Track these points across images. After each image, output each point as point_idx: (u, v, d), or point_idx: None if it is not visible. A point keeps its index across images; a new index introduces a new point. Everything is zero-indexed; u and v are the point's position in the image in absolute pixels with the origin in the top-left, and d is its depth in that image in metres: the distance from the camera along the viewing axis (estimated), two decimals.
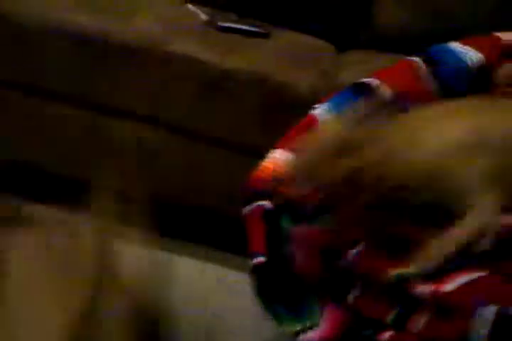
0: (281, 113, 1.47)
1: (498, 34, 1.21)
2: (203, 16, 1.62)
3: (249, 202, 0.97)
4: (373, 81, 1.10)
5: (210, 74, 1.44)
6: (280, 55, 1.57)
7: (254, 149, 1.39)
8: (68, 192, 1.30)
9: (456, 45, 1.17)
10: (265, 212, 0.95)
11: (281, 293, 0.90)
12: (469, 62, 1.13)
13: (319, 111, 1.07)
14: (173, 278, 0.95)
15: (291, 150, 0.99)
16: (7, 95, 1.56)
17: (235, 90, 1.45)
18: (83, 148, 1.58)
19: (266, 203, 0.95)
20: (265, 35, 1.64)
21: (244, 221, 0.96)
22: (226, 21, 1.59)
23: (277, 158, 1.00)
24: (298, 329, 0.85)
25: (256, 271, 0.91)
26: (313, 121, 1.05)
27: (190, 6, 1.68)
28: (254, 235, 0.94)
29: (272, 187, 0.95)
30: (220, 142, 1.51)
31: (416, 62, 1.15)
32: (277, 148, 1.02)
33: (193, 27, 1.56)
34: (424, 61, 1.15)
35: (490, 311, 0.74)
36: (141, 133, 1.54)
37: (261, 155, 1.13)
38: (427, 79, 1.12)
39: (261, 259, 0.91)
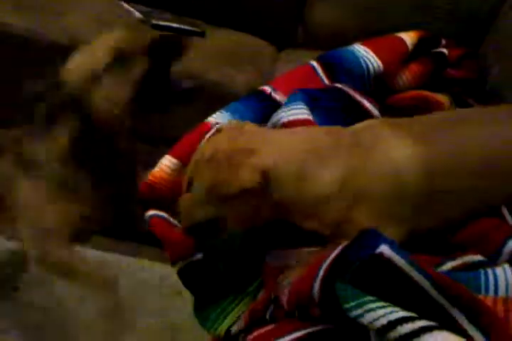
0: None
1: (401, 36, 1.24)
2: (137, 14, 1.60)
3: (146, 208, 1.00)
4: (268, 88, 1.14)
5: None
6: (215, 53, 1.57)
7: None
8: None
9: (359, 49, 1.19)
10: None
11: (208, 292, 0.91)
12: (371, 68, 1.15)
13: (214, 117, 1.10)
14: None
15: (178, 157, 1.01)
16: None
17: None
18: None
19: (163, 214, 0.98)
20: (200, 34, 1.64)
21: (152, 229, 0.98)
22: (160, 20, 1.58)
23: (165, 165, 1.02)
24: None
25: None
26: (206, 128, 1.06)
27: (123, 3, 1.66)
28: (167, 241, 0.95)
29: (159, 196, 0.98)
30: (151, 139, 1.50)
31: (313, 67, 1.18)
32: (168, 154, 1.04)
33: (125, 25, 1.53)
34: (323, 66, 1.17)
35: None
36: None
37: None
38: (322, 84, 1.15)
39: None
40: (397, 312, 0.63)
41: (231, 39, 1.72)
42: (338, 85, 1.11)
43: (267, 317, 0.80)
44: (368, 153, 0.84)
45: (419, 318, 0.62)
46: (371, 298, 0.65)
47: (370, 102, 1.09)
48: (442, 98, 1.16)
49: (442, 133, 0.89)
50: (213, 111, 1.47)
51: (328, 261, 0.73)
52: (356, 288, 0.67)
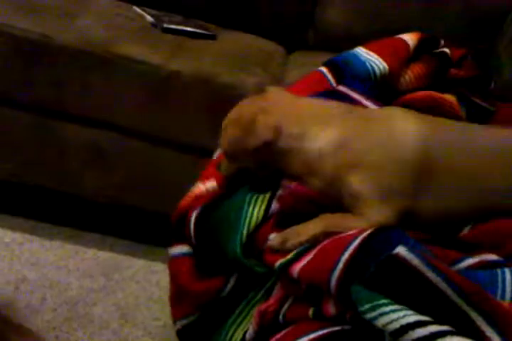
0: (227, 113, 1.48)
1: (403, 37, 1.25)
2: (149, 18, 1.62)
3: (177, 238, 0.97)
4: None
5: (155, 76, 1.43)
6: (227, 55, 1.58)
7: (202, 149, 1.41)
8: None
9: (362, 53, 1.20)
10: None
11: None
12: (374, 71, 1.16)
13: None
14: None
15: (210, 179, 1.01)
16: None
17: (181, 91, 1.45)
18: (33, 150, 1.56)
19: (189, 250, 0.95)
20: (212, 37, 1.65)
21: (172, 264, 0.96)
22: (172, 23, 1.59)
23: (199, 188, 1.01)
24: None
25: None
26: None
27: (135, 8, 1.68)
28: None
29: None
30: (168, 143, 1.51)
31: (322, 72, 1.19)
32: (199, 181, 1.03)
33: (137, 29, 1.55)
34: (331, 70, 1.18)
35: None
36: (92, 135, 1.53)
37: (210, 155, 1.15)
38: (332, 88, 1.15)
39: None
40: (410, 315, 0.62)
41: (242, 42, 1.73)
42: (340, 88, 1.12)
43: (280, 319, 0.80)
44: (373, 124, 0.89)
45: (433, 323, 0.62)
46: (385, 300, 0.65)
47: (373, 103, 1.09)
48: (450, 98, 1.16)
49: (451, 128, 0.94)
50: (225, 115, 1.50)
51: (346, 255, 0.73)
52: (372, 290, 0.67)
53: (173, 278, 0.96)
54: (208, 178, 1.02)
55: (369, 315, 0.65)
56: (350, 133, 0.87)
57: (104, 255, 1.55)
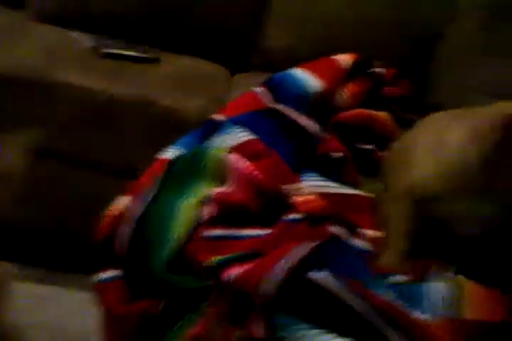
0: (170, 137, 1.48)
1: (337, 58, 1.30)
2: (88, 43, 1.61)
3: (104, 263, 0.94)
4: (218, 116, 1.17)
5: (94, 101, 1.43)
6: (168, 79, 1.58)
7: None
8: None
9: (299, 73, 1.24)
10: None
11: None
12: (309, 89, 1.19)
13: (169, 153, 1.10)
14: None
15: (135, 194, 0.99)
16: None
17: (121, 116, 1.45)
18: None
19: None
20: (154, 60, 1.65)
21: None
22: (112, 48, 1.59)
23: (119, 203, 1.00)
24: None
25: None
26: (160, 165, 1.06)
27: (74, 33, 1.67)
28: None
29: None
30: (108, 169, 1.49)
31: (258, 92, 1.22)
32: (125, 194, 1.02)
33: (76, 55, 1.54)
34: (268, 89, 1.21)
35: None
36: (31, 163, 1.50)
37: None
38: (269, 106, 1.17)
39: None
40: (330, 339, 0.63)
41: (185, 65, 1.73)
42: (277, 107, 1.14)
43: None
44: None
45: None
46: (305, 325, 0.66)
47: (308, 119, 1.12)
48: (383, 115, 1.20)
49: None
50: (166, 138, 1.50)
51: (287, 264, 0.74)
52: (292, 315, 0.68)
53: (101, 304, 0.92)
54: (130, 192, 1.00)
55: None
56: None
57: None
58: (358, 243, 0.87)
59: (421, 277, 0.80)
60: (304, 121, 1.11)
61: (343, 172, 1.08)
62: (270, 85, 1.22)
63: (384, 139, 1.19)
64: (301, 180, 1.03)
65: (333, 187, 1.03)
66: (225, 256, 0.81)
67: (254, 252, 0.82)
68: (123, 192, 1.05)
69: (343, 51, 1.40)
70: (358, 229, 0.91)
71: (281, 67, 1.66)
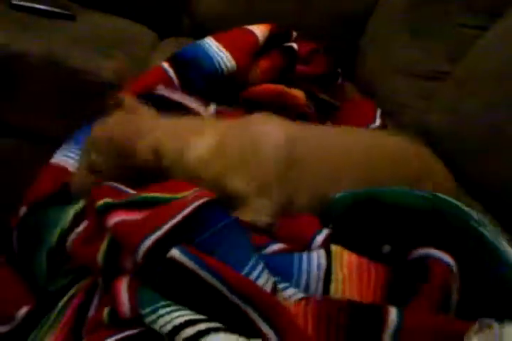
0: (82, 99, 1.40)
1: (254, 30, 1.24)
2: None
3: None
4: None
5: None
6: (84, 37, 1.49)
7: (51, 138, 1.32)
8: None
9: (212, 47, 1.19)
10: None
11: None
12: (223, 69, 1.15)
13: (59, 158, 1.02)
14: None
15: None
16: None
17: (27, 74, 1.35)
18: None
19: None
20: (70, 17, 1.55)
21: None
22: (22, 0, 1.48)
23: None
24: None
25: None
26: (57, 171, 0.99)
27: None
28: None
29: None
30: (14, 130, 1.40)
31: (164, 69, 1.16)
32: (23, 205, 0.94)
33: None
34: (175, 66, 1.16)
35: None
36: None
37: (59, 144, 1.07)
38: (174, 83, 1.14)
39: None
40: (183, 316, 0.60)
41: (105, 24, 1.63)
42: (157, 91, 1.09)
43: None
44: (240, 129, 0.96)
45: (204, 321, 0.60)
46: (165, 302, 0.63)
47: (196, 102, 1.08)
48: (297, 92, 1.16)
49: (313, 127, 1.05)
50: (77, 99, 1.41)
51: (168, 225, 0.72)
52: (155, 292, 0.64)
53: None
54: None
55: (149, 319, 0.62)
56: (222, 139, 0.93)
57: None
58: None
59: (303, 243, 0.79)
60: (190, 102, 1.08)
61: None
62: (179, 60, 1.17)
63: (298, 116, 1.15)
64: None
65: None
66: (115, 200, 0.77)
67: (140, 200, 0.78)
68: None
69: (272, 20, 1.35)
70: None
71: (211, 32, 1.61)
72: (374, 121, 1.26)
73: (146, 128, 0.93)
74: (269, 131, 0.95)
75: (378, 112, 1.30)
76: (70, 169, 0.98)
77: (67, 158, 1.01)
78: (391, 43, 1.47)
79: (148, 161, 0.89)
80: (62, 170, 0.98)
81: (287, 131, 0.96)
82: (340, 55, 1.47)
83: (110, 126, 0.94)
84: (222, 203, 0.78)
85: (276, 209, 0.89)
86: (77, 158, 1.00)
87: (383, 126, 1.27)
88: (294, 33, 1.30)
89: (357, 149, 0.97)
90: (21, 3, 1.46)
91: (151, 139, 0.90)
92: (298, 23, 1.49)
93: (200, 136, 0.93)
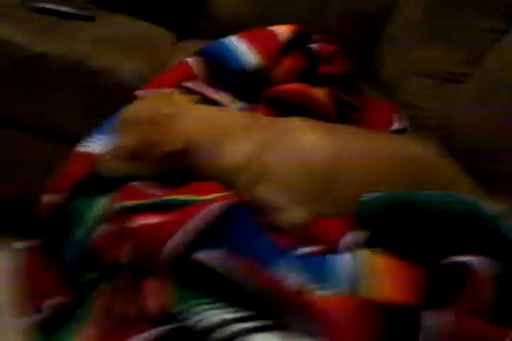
0: (103, 100, 1.41)
1: (276, 30, 1.24)
2: None
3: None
4: (140, 92, 1.11)
5: (19, 57, 1.34)
6: (104, 38, 1.49)
7: (74, 137, 1.33)
8: None
9: (237, 46, 1.19)
10: None
11: None
12: (247, 65, 1.15)
13: (89, 148, 1.01)
14: None
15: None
16: None
17: (48, 74, 1.37)
18: None
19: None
20: (89, 19, 1.56)
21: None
22: (43, 2, 1.49)
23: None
24: None
25: None
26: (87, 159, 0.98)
27: None
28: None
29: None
30: (37, 130, 1.42)
31: (189, 63, 1.17)
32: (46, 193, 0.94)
33: (5, 8, 1.44)
34: (202, 62, 1.16)
35: None
36: None
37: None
38: (199, 79, 1.14)
39: None
40: (219, 314, 0.61)
41: (124, 25, 1.65)
42: (184, 84, 1.10)
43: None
44: (279, 135, 0.92)
45: (243, 320, 0.61)
46: (198, 300, 0.63)
47: (224, 96, 1.08)
48: (319, 93, 1.16)
49: (348, 133, 1.00)
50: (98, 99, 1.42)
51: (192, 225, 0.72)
52: (186, 290, 0.65)
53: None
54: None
55: (182, 316, 0.63)
56: (259, 146, 0.89)
57: None
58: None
59: (332, 246, 0.79)
60: (219, 97, 1.08)
61: None
62: (206, 57, 1.17)
63: (321, 118, 1.15)
64: None
65: None
66: (135, 202, 0.78)
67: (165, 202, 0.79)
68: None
69: (287, 21, 1.35)
70: None
71: (228, 33, 1.62)
72: (394, 123, 1.26)
73: (179, 113, 0.88)
74: (315, 141, 0.92)
75: (398, 114, 1.30)
76: (98, 154, 0.96)
77: (93, 144, 1.00)
78: (410, 46, 1.47)
79: (176, 152, 0.85)
80: (90, 157, 0.97)
81: (333, 140, 0.93)
82: (354, 56, 1.48)
83: (141, 108, 0.91)
84: (252, 208, 0.78)
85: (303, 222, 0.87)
86: (103, 144, 0.98)
87: (403, 129, 1.26)
88: (314, 36, 1.30)
89: (391, 161, 0.94)
90: (43, 5, 1.48)
91: (183, 128, 0.87)
92: (313, 24, 1.50)
93: (239, 141, 0.89)
